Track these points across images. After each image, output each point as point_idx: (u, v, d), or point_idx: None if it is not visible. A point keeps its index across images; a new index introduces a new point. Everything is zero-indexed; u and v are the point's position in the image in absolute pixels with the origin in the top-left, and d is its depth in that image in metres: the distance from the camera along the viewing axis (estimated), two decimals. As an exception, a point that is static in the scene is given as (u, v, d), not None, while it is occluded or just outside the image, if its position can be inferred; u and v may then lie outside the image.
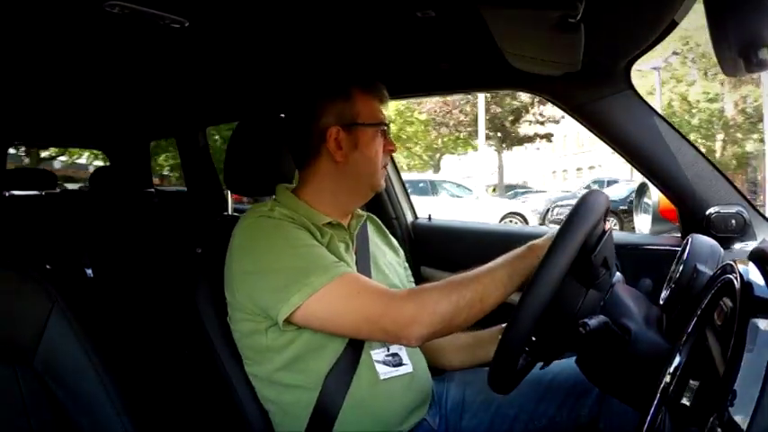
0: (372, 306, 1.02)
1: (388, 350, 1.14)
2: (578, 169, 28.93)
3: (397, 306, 1.01)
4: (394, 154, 1.28)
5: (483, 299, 1.00)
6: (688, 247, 1.02)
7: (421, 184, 11.97)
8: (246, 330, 1.11)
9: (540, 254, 0.95)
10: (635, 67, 1.32)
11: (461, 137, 20.17)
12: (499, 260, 1.04)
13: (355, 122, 1.16)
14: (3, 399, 0.97)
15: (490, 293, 1.01)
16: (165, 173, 14.41)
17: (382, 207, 2.03)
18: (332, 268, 1.04)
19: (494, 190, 20.16)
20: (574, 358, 1.04)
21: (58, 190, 2.88)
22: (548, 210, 12.40)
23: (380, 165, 1.20)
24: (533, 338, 0.96)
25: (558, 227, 0.93)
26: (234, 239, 1.12)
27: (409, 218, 2.09)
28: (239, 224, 1.13)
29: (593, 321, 0.85)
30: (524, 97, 17.65)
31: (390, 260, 1.31)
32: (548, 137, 20.55)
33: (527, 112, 19.35)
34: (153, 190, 3.27)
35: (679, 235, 1.44)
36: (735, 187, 1.30)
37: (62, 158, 16.34)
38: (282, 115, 1.29)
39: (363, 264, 1.20)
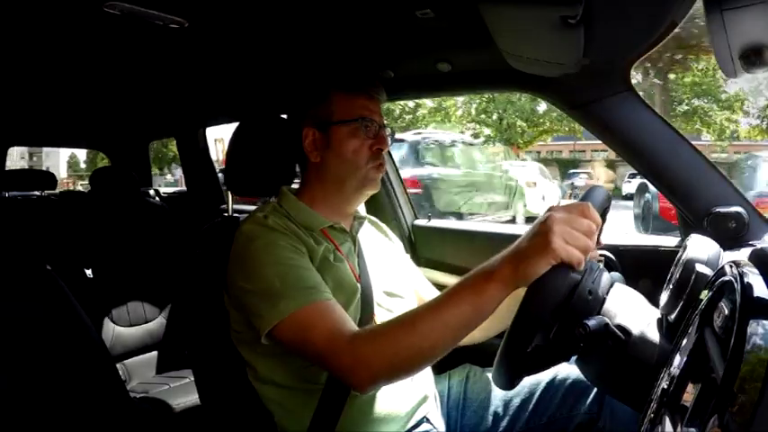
0: (321, 344, 0.96)
1: None
2: None
3: (342, 352, 0.94)
4: None
5: (434, 346, 0.89)
6: (688, 248, 1.02)
7: None
8: (245, 333, 1.11)
9: (497, 279, 0.84)
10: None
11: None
12: (454, 295, 0.89)
13: (329, 121, 1.17)
14: (3, 399, 0.98)
15: (444, 340, 0.89)
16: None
17: (382, 207, 2.03)
18: (305, 295, 1.00)
19: None
20: (574, 358, 1.04)
21: (57, 190, 2.88)
22: None
23: (363, 163, 1.16)
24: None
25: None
26: (234, 244, 1.11)
27: (409, 219, 2.08)
28: (240, 229, 1.12)
29: (592, 322, 0.85)
30: None
31: (393, 260, 1.31)
32: None
33: None
34: (152, 190, 3.27)
35: (679, 235, 1.44)
36: (735, 187, 1.30)
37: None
38: (283, 116, 1.30)
39: (365, 266, 1.20)
